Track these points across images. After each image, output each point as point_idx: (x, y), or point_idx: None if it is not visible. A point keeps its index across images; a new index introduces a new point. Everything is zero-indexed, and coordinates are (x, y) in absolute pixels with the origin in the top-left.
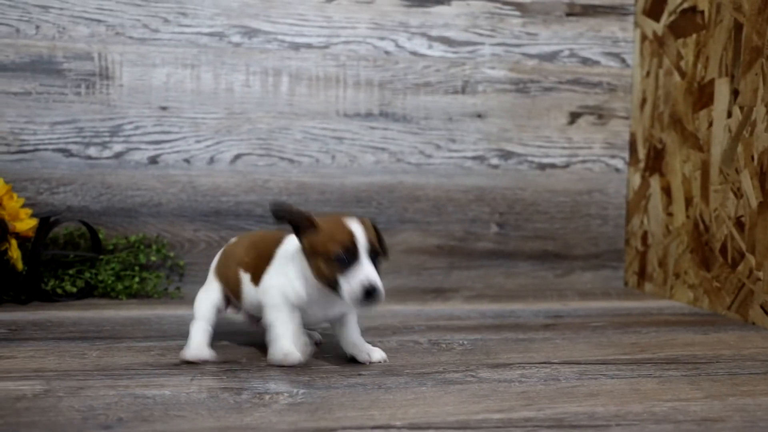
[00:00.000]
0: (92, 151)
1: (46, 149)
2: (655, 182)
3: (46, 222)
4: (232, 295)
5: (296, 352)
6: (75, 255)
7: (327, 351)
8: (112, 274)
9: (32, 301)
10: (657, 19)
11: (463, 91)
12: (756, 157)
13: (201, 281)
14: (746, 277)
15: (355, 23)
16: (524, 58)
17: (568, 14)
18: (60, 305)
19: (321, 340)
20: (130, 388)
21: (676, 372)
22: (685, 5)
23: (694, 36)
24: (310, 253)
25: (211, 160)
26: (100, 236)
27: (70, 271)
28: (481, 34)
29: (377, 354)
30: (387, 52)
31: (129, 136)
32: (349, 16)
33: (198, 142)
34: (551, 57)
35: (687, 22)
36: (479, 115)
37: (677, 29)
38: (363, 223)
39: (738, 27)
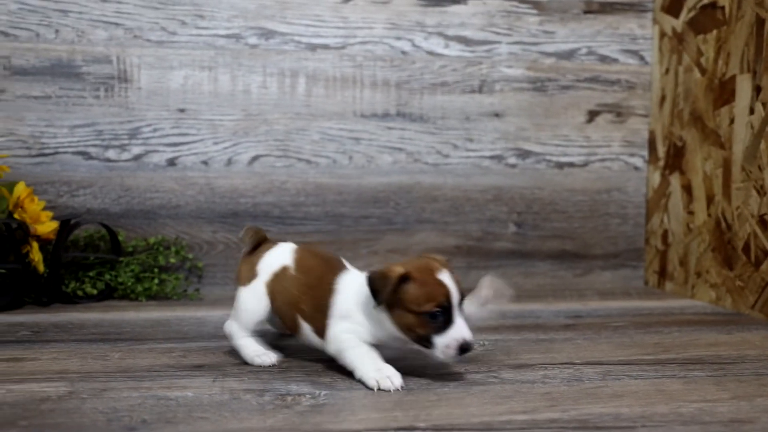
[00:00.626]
0: (111, 153)
1: (66, 152)
2: (675, 180)
3: (66, 224)
4: (285, 326)
5: (392, 369)
6: (95, 257)
7: None
8: (132, 276)
9: (53, 303)
10: (676, 15)
11: (480, 91)
12: None
13: (219, 282)
14: None
15: (371, 23)
16: (542, 57)
17: (586, 12)
18: (81, 307)
19: None
20: (153, 390)
21: (701, 372)
22: (705, 1)
23: (715, 32)
24: (398, 305)
25: (229, 162)
26: (120, 238)
27: (91, 273)
28: (498, 33)
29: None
30: (404, 52)
31: (147, 138)
32: (365, 16)
33: (216, 143)
34: (569, 55)
35: (707, 18)
36: (497, 115)
37: (697, 25)
38: (448, 268)
39: (760, 22)
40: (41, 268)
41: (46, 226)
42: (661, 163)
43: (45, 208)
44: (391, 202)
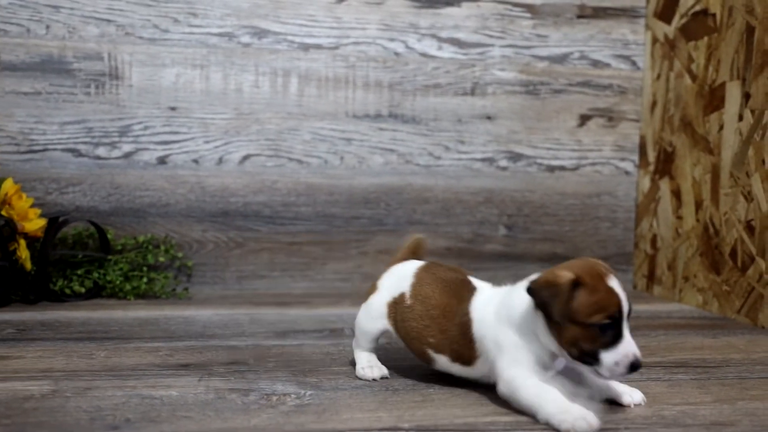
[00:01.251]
0: (101, 151)
1: (55, 149)
2: (664, 185)
3: (54, 222)
4: (417, 357)
5: (580, 409)
6: (83, 255)
7: (333, 353)
8: (121, 275)
9: (41, 301)
10: (668, 21)
11: (473, 93)
12: (767, 160)
13: (209, 282)
14: (756, 281)
15: (364, 24)
16: (534, 60)
17: (579, 16)
18: (68, 305)
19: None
20: (138, 389)
21: (685, 376)
22: (697, 8)
23: (706, 39)
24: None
25: (220, 161)
26: (109, 236)
27: (79, 272)
28: (491, 36)
29: (638, 394)
30: (397, 54)
31: (138, 136)
32: (359, 17)
33: (207, 142)
34: (561, 59)
35: (698, 25)
36: (488, 117)
37: (688, 32)
38: (614, 274)
39: (750, 30)
40: (28, 265)
41: (34, 224)
42: (651, 168)
43: (33, 206)
44: (382, 203)
